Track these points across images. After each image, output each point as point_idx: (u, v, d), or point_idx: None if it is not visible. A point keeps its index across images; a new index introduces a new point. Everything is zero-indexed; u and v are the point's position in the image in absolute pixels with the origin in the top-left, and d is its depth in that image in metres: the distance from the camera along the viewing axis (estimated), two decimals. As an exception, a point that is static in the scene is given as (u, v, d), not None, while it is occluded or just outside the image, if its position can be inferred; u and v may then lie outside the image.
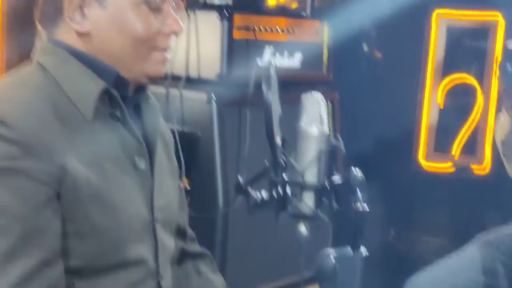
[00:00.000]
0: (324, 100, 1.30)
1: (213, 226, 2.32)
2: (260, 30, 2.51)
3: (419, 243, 3.70)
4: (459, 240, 2.38)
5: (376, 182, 3.48)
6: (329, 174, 1.27)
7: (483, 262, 2.18)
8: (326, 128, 1.28)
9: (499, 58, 1.92)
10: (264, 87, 1.23)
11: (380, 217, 3.75)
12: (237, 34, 2.46)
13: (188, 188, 2.31)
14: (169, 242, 1.50)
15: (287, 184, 1.27)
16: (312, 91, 1.32)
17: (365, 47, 3.67)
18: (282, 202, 1.27)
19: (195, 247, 1.68)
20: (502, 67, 1.89)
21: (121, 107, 1.38)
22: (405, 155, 3.59)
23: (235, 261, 2.34)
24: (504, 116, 2.12)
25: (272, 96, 1.24)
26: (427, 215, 3.67)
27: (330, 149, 1.27)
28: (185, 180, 2.33)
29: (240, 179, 1.32)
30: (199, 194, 2.35)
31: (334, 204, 1.28)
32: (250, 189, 1.30)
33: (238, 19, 2.46)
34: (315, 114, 1.27)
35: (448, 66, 3.51)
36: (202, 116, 2.38)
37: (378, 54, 3.73)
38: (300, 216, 1.29)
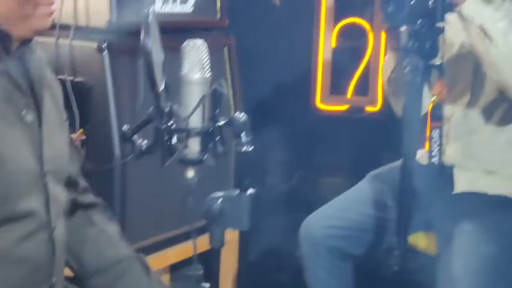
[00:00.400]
0: (206, 46, 1.31)
1: (110, 177, 2.31)
2: (150, -25, 2.48)
3: (320, 183, 3.81)
4: (357, 178, 2.46)
5: (275, 126, 3.54)
6: (214, 118, 1.30)
7: (373, 195, 2.27)
8: (208, 74, 1.30)
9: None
10: (143, 35, 1.23)
11: (282, 160, 3.83)
12: (126, -19, 2.42)
13: (83, 138, 2.30)
14: (60, 194, 1.51)
15: (172, 131, 1.29)
16: (196, 39, 1.33)
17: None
18: (168, 149, 1.30)
19: (88, 198, 1.69)
20: (383, 7, 1.94)
21: (3, 60, 1.36)
22: (302, 98, 3.65)
23: (135, 211, 2.35)
24: (389, 54, 2.19)
25: (153, 44, 1.25)
26: (326, 156, 3.77)
27: (214, 94, 1.30)
28: (79, 131, 2.32)
29: (125, 127, 1.33)
30: (94, 145, 2.33)
31: (220, 148, 1.31)
32: (135, 138, 1.32)
33: (127, -36, 2.41)
34: (196, 61, 1.29)
35: (340, 8, 3.57)
36: (93, 65, 2.35)
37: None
38: (187, 162, 1.31)
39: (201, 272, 2.42)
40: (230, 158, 2.38)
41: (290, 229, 3.24)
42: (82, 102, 2.31)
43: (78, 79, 2.35)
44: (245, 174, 1.31)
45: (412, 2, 1.90)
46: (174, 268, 2.59)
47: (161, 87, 1.27)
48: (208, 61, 1.31)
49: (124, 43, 2.34)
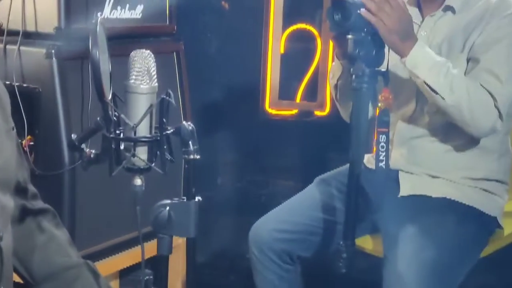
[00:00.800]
0: (152, 56, 1.33)
1: (59, 183, 2.31)
2: (99, -19, 2.48)
3: (270, 186, 3.84)
4: (306, 181, 2.49)
5: (225, 131, 3.57)
6: (161, 127, 1.32)
7: (321, 199, 2.31)
8: (155, 83, 1.32)
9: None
10: (91, 44, 1.25)
11: (232, 164, 3.86)
12: (74, -14, 2.41)
13: (32, 144, 2.29)
14: (7, 202, 1.50)
15: (120, 140, 1.30)
16: (142, 48, 1.34)
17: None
18: (116, 158, 1.31)
19: (38, 204, 1.68)
20: (329, 15, 1.98)
21: None
22: (251, 103, 3.69)
23: (84, 217, 2.35)
24: (336, 61, 2.23)
25: (101, 53, 1.26)
26: (276, 160, 3.81)
27: (161, 103, 1.31)
28: (28, 137, 2.30)
29: (74, 136, 1.34)
30: (43, 151, 2.32)
31: (168, 156, 1.33)
32: (83, 146, 1.33)
33: (76, -30, 2.41)
34: (144, 71, 1.31)
35: (290, 14, 3.62)
36: (42, 71, 2.34)
37: (225, 4, 3.77)
38: (134, 170, 1.33)
39: (150, 277, 2.44)
40: (179, 164, 2.40)
41: (239, 233, 3.27)
42: (30, 108, 2.30)
43: (26, 85, 2.33)
44: (194, 179, 1.33)
45: (358, 11, 1.94)
46: (123, 274, 2.59)
47: (109, 96, 1.28)
48: (155, 70, 1.32)
49: (72, 49, 2.34)
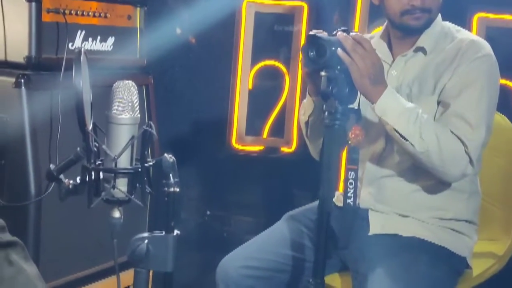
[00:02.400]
0: (136, 87, 1.32)
1: (25, 214, 2.26)
2: (71, 13, 2.47)
3: (234, 222, 3.83)
4: (272, 217, 2.49)
5: (191, 165, 3.55)
6: (142, 159, 1.30)
7: (290, 236, 2.29)
8: (137, 115, 1.30)
9: (303, 43, 2.00)
10: (74, 75, 1.23)
11: (196, 199, 3.83)
12: (46, 17, 2.40)
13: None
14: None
15: (100, 171, 1.28)
16: (124, 79, 1.33)
17: (179, 31, 3.71)
18: (95, 189, 1.29)
19: (5, 237, 1.65)
20: (304, 51, 1.98)
21: None
22: (218, 138, 3.69)
23: (49, 249, 2.30)
24: (307, 98, 2.23)
25: (83, 84, 1.25)
26: (242, 195, 3.80)
27: (143, 135, 1.30)
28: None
29: (52, 166, 1.31)
30: (9, 182, 2.28)
31: (147, 189, 1.31)
32: (62, 176, 1.30)
33: (47, 1, 2.40)
34: (127, 101, 1.29)
35: (258, 50, 3.64)
36: (11, 100, 2.31)
37: (192, 39, 3.78)
38: (113, 202, 1.31)
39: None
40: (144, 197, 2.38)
41: (201, 268, 3.24)
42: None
43: (-6, 115, 2.30)
44: (174, 213, 1.32)
45: (333, 48, 1.95)
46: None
47: (90, 126, 1.27)
48: (138, 101, 1.31)
49: (42, 79, 2.31)
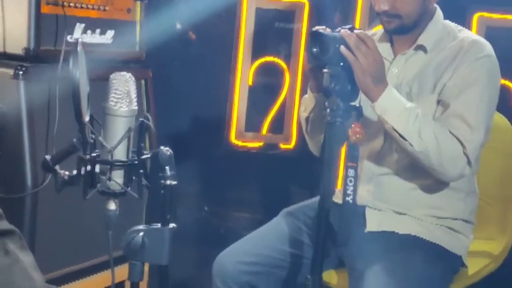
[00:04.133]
0: (133, 80, 1.31)
1: (21, 206, 2.26)
2: (70, 6, 2.46)
3: (232, 218, 3.82)
4: (270, 213, 2.48)
5: (189, 160, 3.54)
6: (139, 151, 1.29)
7: (287, 232, 2.28)
8: (134, 107, 1.30)
9: (305, 39, 2.00)
10: (71, 66, 1.22)
11: (194, 194, 3.82)
12: (45, 9, 2.39)
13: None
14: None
15: (96, 162, 1.27)
16: (122, 71, 1.33)
17: (178, 26, 3.70)
18: (91, 180, 1.28)
19: (2, 225, 1.64)
20: (308, 47, 1.98)
21: None
22: (217, 133, 3.68)
23: (45, 240, 2.30)
24: (309, 94, 2.23)
25: (80, 75, 1.24)
26: (240, 191, 3.79)
27: (139, 127, 1.29)
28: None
29: (48, 157, 1.30)
30: (6, 174, 2.28)
31: (144, 181, 1.31)
32: (57, 168, 1.29)
33: (46, -7, 2.39)
34: (124, 93, 1.29)
35: (258, 46, 3.63)
36: (9, 92, 2.31)
37: (192, 34, 3.77)
38: (109, 194, 1.30)
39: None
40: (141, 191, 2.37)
41: (198, 264, 3.24)
42: (-5, 128, 2.26)
43: (-9, 106, 2.30)
44: (170, 206, 1.31)
45: (336, 45, 1.94)
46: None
47: (87, 117, 1.26)
48: (136, 94, 1.30)
49: (40, 71, 2.31)
